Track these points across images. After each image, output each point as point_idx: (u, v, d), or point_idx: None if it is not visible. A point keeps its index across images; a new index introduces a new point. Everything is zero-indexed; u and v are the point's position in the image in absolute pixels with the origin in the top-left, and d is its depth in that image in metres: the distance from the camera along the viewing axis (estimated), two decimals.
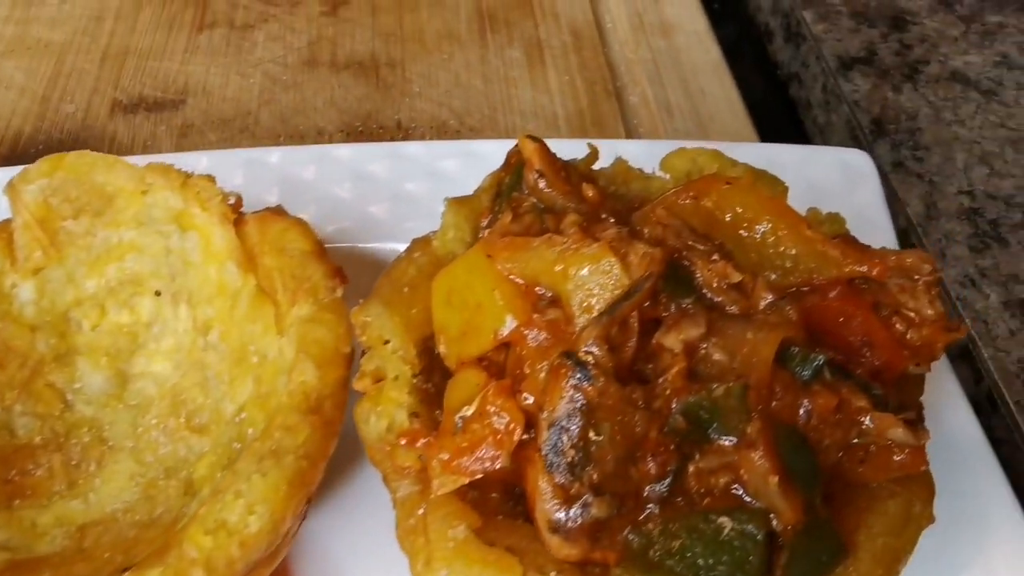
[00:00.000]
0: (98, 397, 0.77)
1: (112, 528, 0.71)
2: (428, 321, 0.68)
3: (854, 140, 1.18)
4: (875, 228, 0.93)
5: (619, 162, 0.77)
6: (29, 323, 0.76)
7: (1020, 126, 1.18)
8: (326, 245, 0.85)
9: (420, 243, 0.73)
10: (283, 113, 1.21)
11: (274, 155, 0.98)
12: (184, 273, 0.77)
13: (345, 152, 0.99)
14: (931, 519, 0.60)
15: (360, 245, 0.92)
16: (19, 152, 1.16)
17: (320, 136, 1.17)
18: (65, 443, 0.75)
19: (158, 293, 0.79)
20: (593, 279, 0.59)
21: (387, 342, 0.67)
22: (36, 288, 0.76)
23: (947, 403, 0.81)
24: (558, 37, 1.33)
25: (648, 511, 0.57)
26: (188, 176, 0.75)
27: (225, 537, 0.57)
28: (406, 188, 0.96)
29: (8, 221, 0.76)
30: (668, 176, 0.76)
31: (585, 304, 0.60)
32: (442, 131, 1.19)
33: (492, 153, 0.86)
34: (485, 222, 0.73)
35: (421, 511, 0.61)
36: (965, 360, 0.96)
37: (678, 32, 1.35)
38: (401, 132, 1.18)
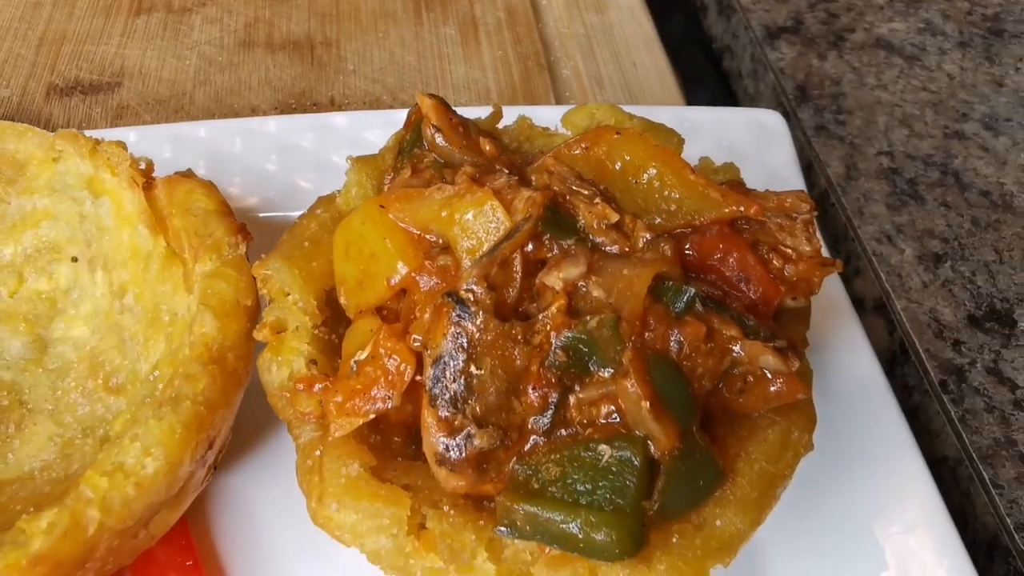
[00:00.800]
0: (17, 362, 0.79)
1: (28, 485, 0.72)
2: (330, 274, 0.70)
3: (779, 107, 1.20)
4: (789, 186, 0.94)
5: (521, 119, 0.79)
6: None
7: (941, 89, 1.21)
8: (257, 215, 0.87)
9: (324, 201, 0.75)
10: (218, 93, 1.22)
11: (201, 129, 1.00)
12: (99, 238, 0.79)
13: (272, 125, 1.00)
14: (810, 447, 0.62)
15: (285, 214, 0.94)
16: None
17: (254, 114, 1.18)
18: None
19: (75, 259, 0.80)
20: (477, 223, 0.61)
21: (288, 294, 0.68)
22: None
23: (853, 351, 0.83)
24: (493, 14, 1.35)
25: (532, 442, 0.59)
26: (98, 142, 0.76)
27: (122, 479, 0.58)
28: (331, 159, 0.97)
29: None
30: (569, 132, 0.78)
31: (470, 248, 0.62)
32: (375, 107, 1.20)
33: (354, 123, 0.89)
34: (388, 179, 0.75)
35: (318, 453, 0.62)
36: (880, 312, 0.99)
37: (612, 7, 1.37)
38: (334, 109, 1.20)
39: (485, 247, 0.61)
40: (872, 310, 1.00)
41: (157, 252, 0.75)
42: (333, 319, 0.70)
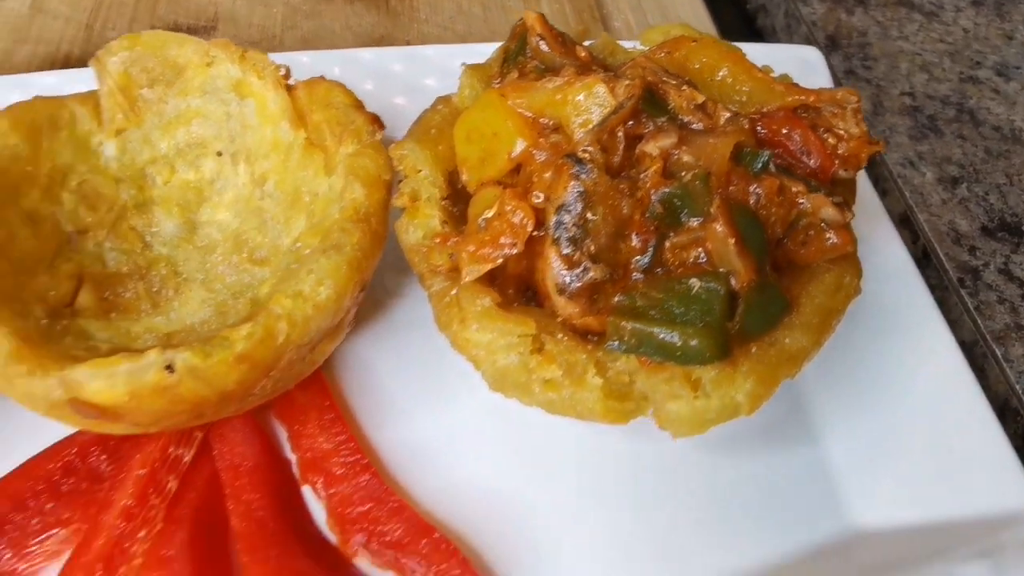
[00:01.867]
0: (171, 240, 0.92)
1: (192, 334, 0.85)
2: (451, 158, 0.83)
3: None
4: None
5: (604, 36, 0.93)
6: (114, 175, 0.90)
7: (956, 41, 1.34)
8: None
9: (442, 99, 0.88)
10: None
11: (304, 57, 1.13)
12: (243, 135, 0.92)
13: (367, 55, 1.13)
14: (858, 290, 0.76)
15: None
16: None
17: None
18: (147, 274, 0.89)
19: (219, 153, 0.93)
20: (588, 102, 0.75)
21: (420, 171, 0.82)
22: (118, 147, 0.91)
23: (886, 241, 0.97)
24: None
25: (634, 279, 0.72)
26: (245, 50, 0.89)
27: (302, 301, 0.72)
28: (423, 82, 1.10)
29: (95, 91, 0.90)
30: (646, 48, 0.92)
31: (582, 123, 0.75)
32: None
33: (458, 53, 1.03)
34: (495, 83, 0.88)
35: (454, 292, 0.76)
36: (906, 224, 1.12)
37: None
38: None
39: (595, 120, 0.74)
40: (899, 223, 1.13)
41: (297, 144, 0.88)
42: (453, 196, 0.83)
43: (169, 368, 0.66)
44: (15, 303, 0.76)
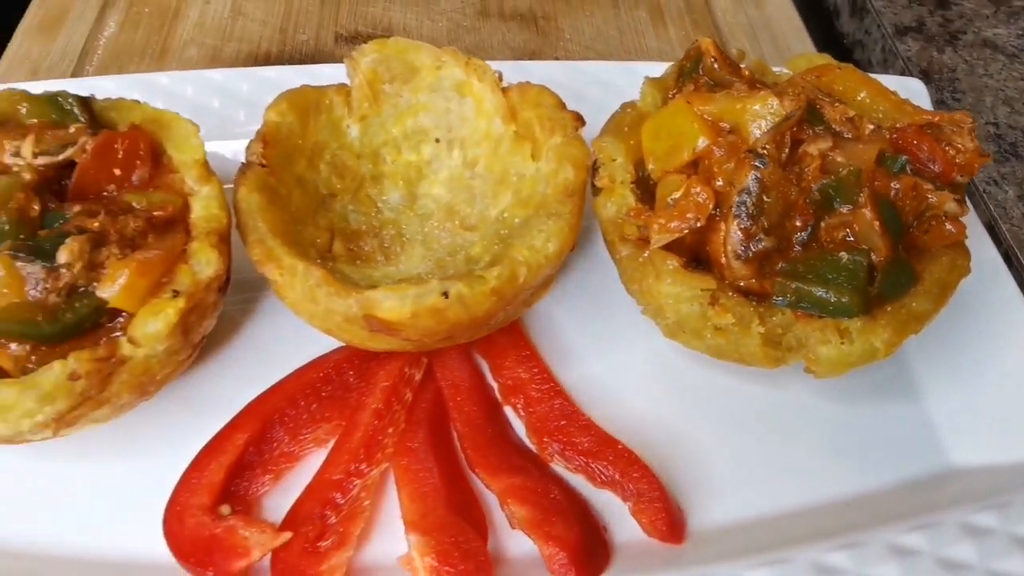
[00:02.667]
0: (397, 207, 1.13)
1: (418, 281, 1.06)
2: (638, 150, 1.04)
3: None
4: None
5: (756, 61, 1.13)
6: (356, 152, 1.12)
7: None
8: None
9: (628, 105, 1.09)
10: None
11: (494, 65, 1.34)
12: (459, 126, 1.13)
13: (537, 67, 1.35)
14: (968, 270, 0.95)
15: None
16: (271, 65, 1.52)
17: None
18: (379, 233, 1.11)
19: (438, 140, 1.14)
20: (763, 110, 0.95)
21: (615, 159, 1.03)
22: (361, 129, 1.12)
23: (977, 241, 1.16)
24: (674, 3, 1.70)
25: (795, 251, 0.93)
26: (469, 58, 1.11)
27: (535, 252, 0.93)
28: (586, 93, 1.32)
29: (345, 84, 1.12)
30: (790, 71, 1.12)
31: (757, 126, 0.96)
32: None
33: (646, 69, 1.23)
34: (671, 93, 1.09)
35: (646, 254, 0.96)
36: (990, 232, 1.31)
37: (768, 4, 1.71)
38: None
39: (769, 126, 0.95)
40: (983, 233, 1.32)
41: (507, 135, 1.10)
42: (637, 181, 1.04)
43: (445, 294, 0.87)
44: (297, 246, 0.97)
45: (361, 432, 0.96)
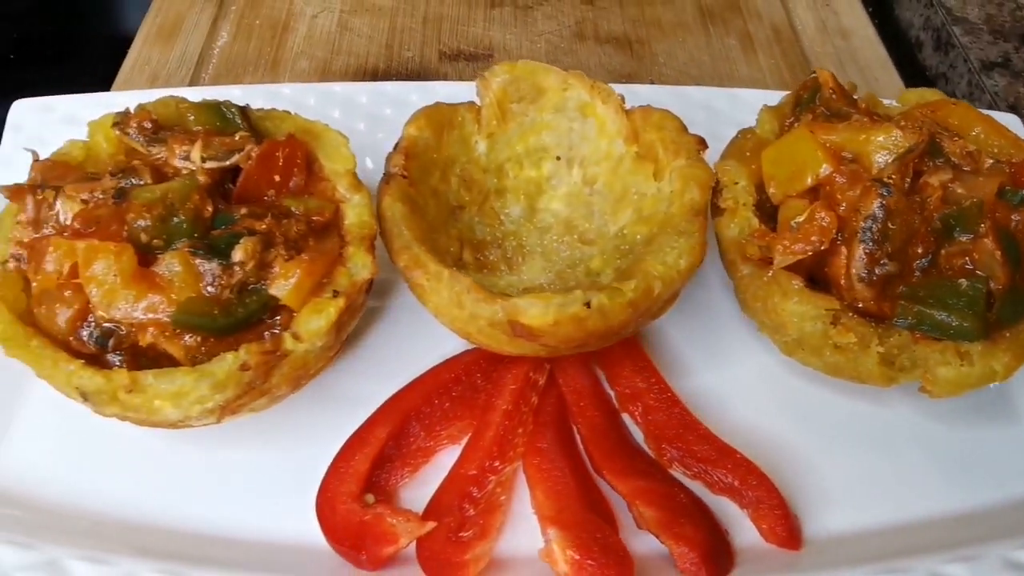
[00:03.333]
0: (517, 220, 1.19)
1: (545, 289, 1.12)
2: (758, 174, 1.09)
3: None
4: None
5: (868, 93, 1.19)
6: (483, 166, 1.18)
7: None
8: None
9: (746, 131, 1.15)
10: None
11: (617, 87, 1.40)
12: (580, 145, 1.19)
13: (644, 90, 1.41)
14: None
15: None
16: (379, 80, 1.59)
17: None
18: (502, 244, 1.17)
19: (558, 158, 1.20)
20: (887, 142, 1.00)
21: (737, 183, 1.08)
22: (488, 145, 1.18)
23: None
24: (763, 32, 1.75)
25: (916, 276, 0.98)
26: (594, 81, 1.17)
27: (668, 268, 0.98)
28: (693, 117, 1.37)
29: (474, 103, 1.18)
30: (902, 105, 1.17)
31: (879, 158, 1.01)
32: None
33: (751, 96, 1.29)
34: (788, 121, 1.14)
35: (770, 274, 1.02)
36: None
37: (853, 36, 1.76)
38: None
39: (892, 157, 1.00)
40: None
41: (629, 155, 1.15)
42: (756, 204, 1.09)
43: (587, 304, 0.93)
44: (435, 254, 1.03)
45: (493, 431, 1.01)
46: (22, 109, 1.30)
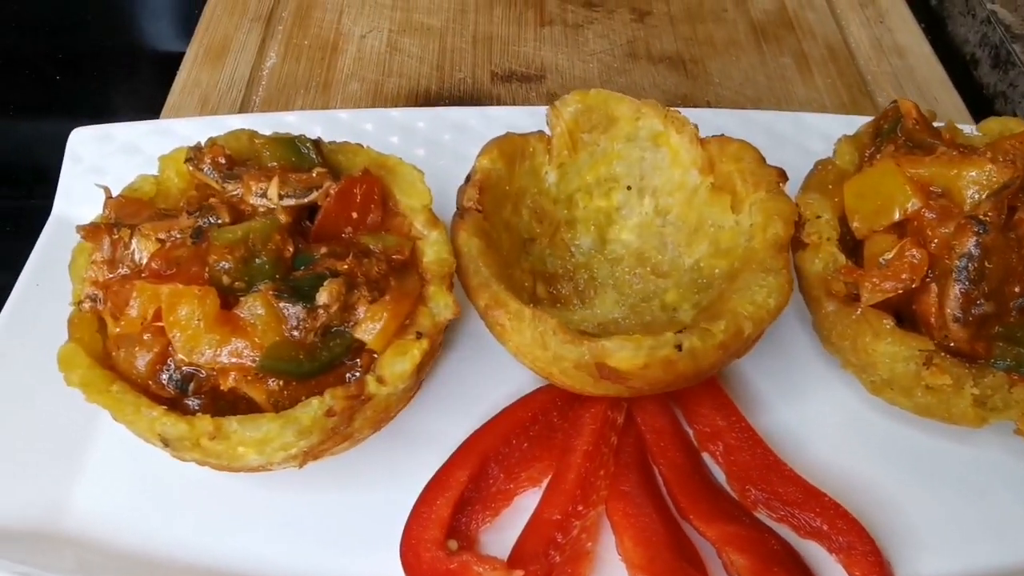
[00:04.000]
0: (587, 252, 1.17)
1: (616, 327, 1.10)
2: (840, 208, 1.06)
3: None
4: None
5: (949, 121, 1.16)
6: (553, 197, 1.16)
7: None
8: None
9: (825, 162, 1.12)
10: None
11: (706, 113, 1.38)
12: (651, 175, 1.17)
13: (707, 114, 1.38)
14: None
15: None
16: (432, 102, 1.57)
17: None
18: (573, 277, 1.15)
19: (629, 188, 1.18)
20: (980, 177, 0.98)
21: (819, 216, 1.06)
22: (558, 176, 1.16)
23: None
24: (817, 50, 1.72)
25: (1012, 316, 0.95)
26: (668, 110, 1.14)
27: (757, 308, 0.96)
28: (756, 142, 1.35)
29: (542, 132, 1.16)
30: (982, 135, 1.14)
31: (971, 193, 0.98)
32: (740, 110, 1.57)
33: (818, 122, 1.27)
34: (868, 152, 1.12)
35: (859, 312, 0.99)
36: None
37: (909, 54, 1.73)
38: (711, 112, 1.58)
39: (986, 193, 0.97)
40: None
41: (704, 186, 1.13)
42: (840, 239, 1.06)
43: (678, 347, 0.90)
44: (512, 290, 1.01)
45: (574, 473, 0.99)
46: (80, 138, 1.28)
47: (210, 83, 1.60)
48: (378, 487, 0.99)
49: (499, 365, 1.09)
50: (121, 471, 1.01)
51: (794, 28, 1.77)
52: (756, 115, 1.39)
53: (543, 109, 1.31)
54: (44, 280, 1.14)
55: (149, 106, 1.56)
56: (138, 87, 1.77)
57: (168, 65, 1.63)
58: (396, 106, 1.56)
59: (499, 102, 1.57)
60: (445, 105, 1.56)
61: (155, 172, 1.16)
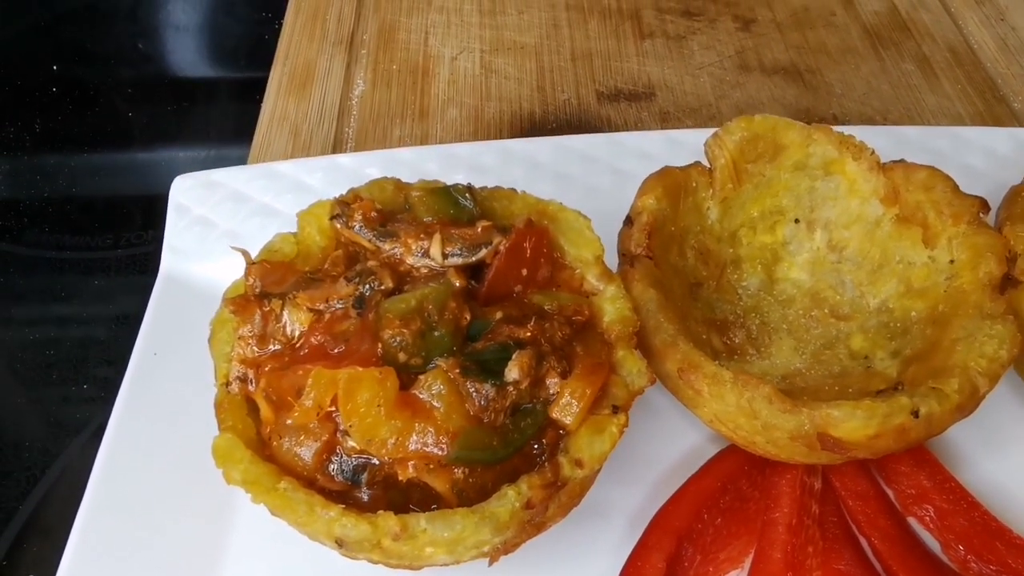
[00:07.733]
0: (755, 293, 1.06)
1: (798, 380, 0.99)
2: None
3: None
4: None
5: None
6: (717, 235, 1.05)
7: None
8: None
9: (1020, 188, 1.01)
10: (737, 105, 1.50)
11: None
12: (822, 206, 1.06)
13: (854, 130, 1.27)
14: None
15: None
16: (538, 128, 1.47)
17: None
18: (744, 323, 1.04)
19: (796, 220, 1.07)
20: None
21: None
22: (720, 210, 1.05)
23: None
24: (940, 54, 1.61)
25: None
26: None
27: (991, 362, 0.84)
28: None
29: (699, 163, 1.05)
30: None
31: None
32: (871, 124, 1.46)
33: (971, 135, 1.17)
34: None
35: None
36: None
37: None
38: (838, 124, 1.46)
39: None
40: None
41: (887, 218, 1.02)
42: None
43: (914, 413, 0.79)
44: (697, 347, 0.90)
45: (780, 552, 0.88)
46: (184, 187, 1.18)
47: (298, 114, 1.49)
48: (555, 570, 0.88)
49: (666, 423, 0.98)
50: (264, 557, 0.91)
51: (910, 31, 1.66)
52: (905, 131, 1.28)
53: (678, 132, 1.21)
54: (161, 348, 1.04)
55: (238, 136, 1.46)
56: (219, 116, 1.69)
57: (248, 91, 1.54)
58: (500, 133, 1.45)
59: (610, 124, 1.47)
60: (552, 129, 1.45)
61: (265, 219, 1.06)
